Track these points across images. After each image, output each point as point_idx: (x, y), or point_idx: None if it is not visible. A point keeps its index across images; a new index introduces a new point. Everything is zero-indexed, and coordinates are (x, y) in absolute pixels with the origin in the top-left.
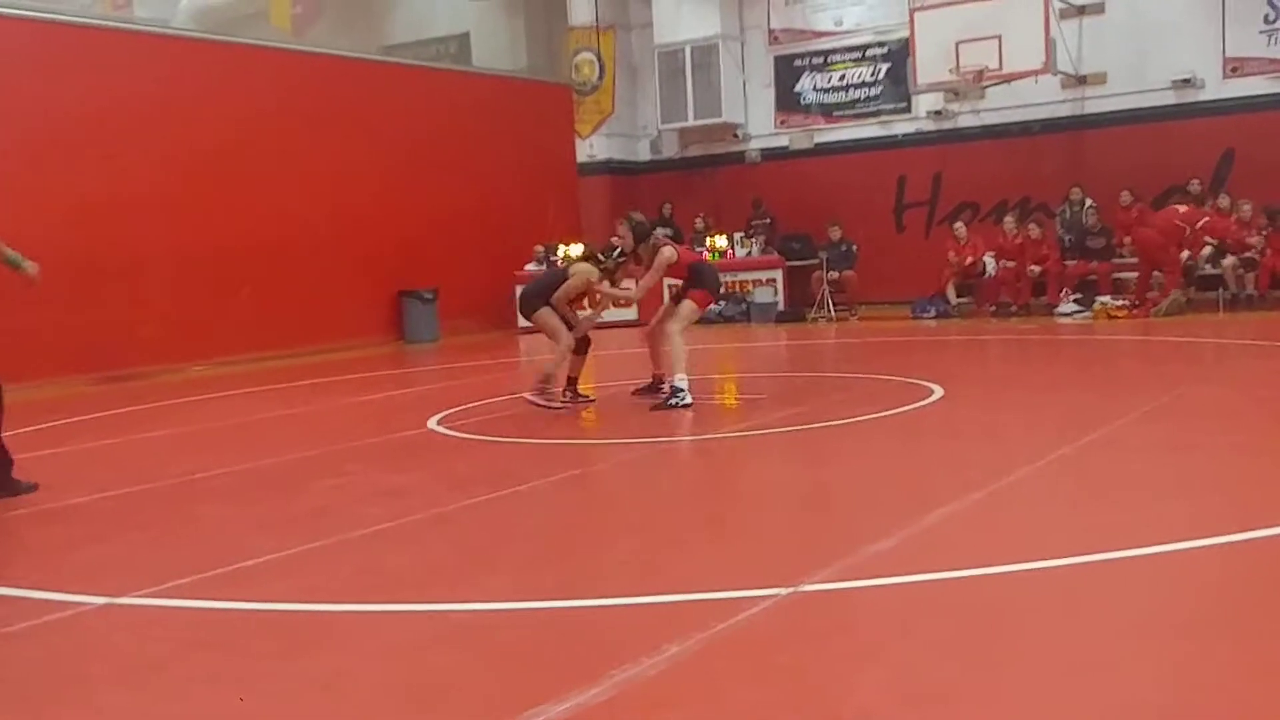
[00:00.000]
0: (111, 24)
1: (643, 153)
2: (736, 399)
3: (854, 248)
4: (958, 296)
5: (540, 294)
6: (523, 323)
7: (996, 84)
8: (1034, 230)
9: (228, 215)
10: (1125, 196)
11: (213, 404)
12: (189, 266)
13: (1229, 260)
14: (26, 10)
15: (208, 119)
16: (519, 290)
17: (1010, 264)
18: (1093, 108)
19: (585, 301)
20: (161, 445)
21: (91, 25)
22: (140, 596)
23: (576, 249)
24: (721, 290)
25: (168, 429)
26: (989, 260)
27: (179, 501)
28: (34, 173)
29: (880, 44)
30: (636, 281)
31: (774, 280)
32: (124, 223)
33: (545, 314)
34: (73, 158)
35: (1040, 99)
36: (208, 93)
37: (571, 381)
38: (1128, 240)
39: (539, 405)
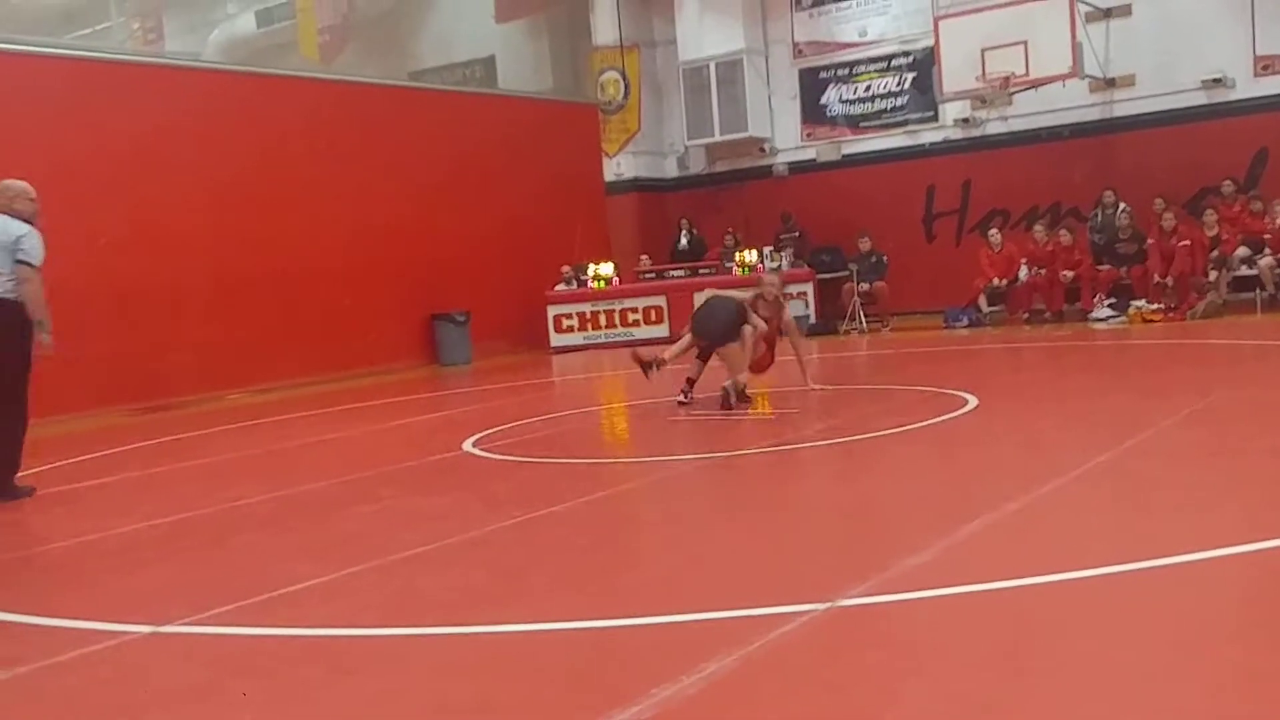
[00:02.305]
0: (143, 59)
1: (670, 170)
2: (770, 413)
3: (884, 258)
4: (989, 305)
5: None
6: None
7: (1024, 90)
8: (1065, 236)
9: (261, 243)
10: (1159, 203)
11: (250, 431)
12: (224, 295)
13: (1266, 260)
14: (61, 49)
15: (240, 149)
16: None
17: (1042, 271)
18: (1122, 111)
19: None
20: (201, 473)
21: (124, 61)
22: (184, 624)
23: (606, 268)
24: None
25: (207, 457)
26: (1021, 267)
27: (220, 529)
28: (70, 206)
29: (905, 53)
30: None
31: (805, 293)
32: (159, 253)
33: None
34: (108, 191)
35: (1069, 103)
36: (239, 123)
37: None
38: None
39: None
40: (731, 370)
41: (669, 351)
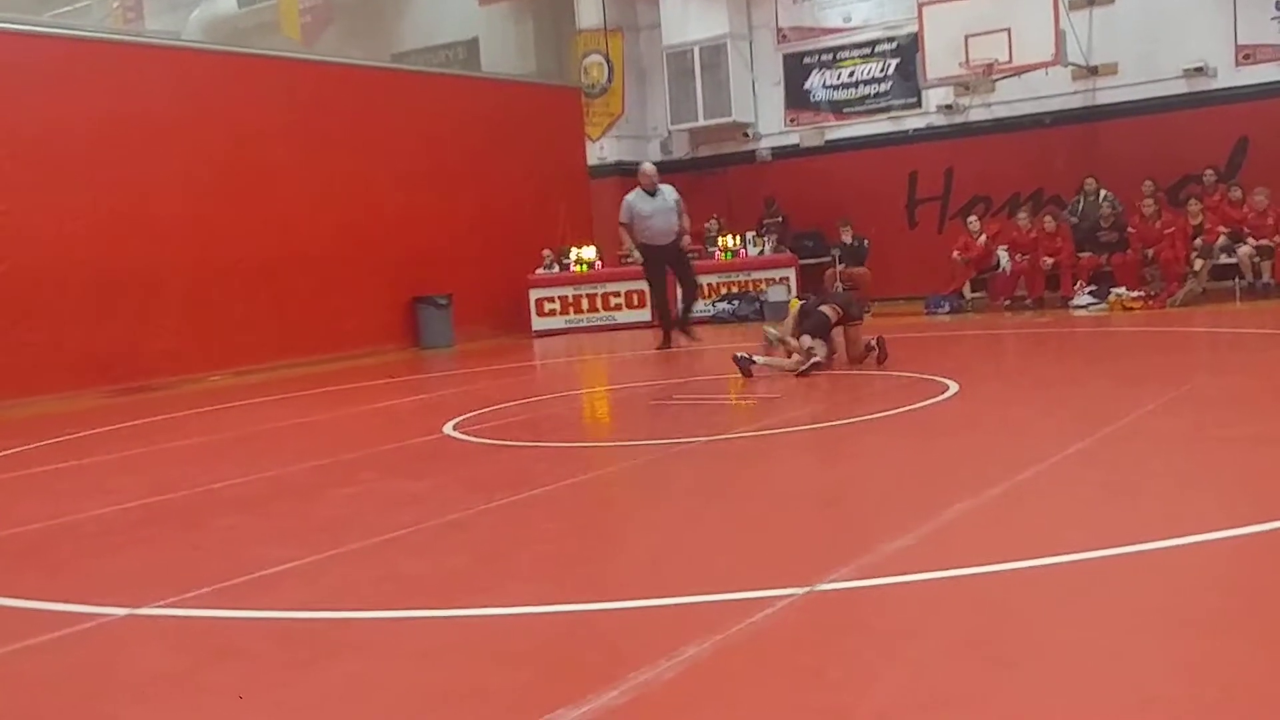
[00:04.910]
0: (123, 38)
1: (653, 154)
2: (751, 398)
3: (866, 244)
4: (971, 291)
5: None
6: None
7: (1007, 77)
8: (1049, 223)
9: (242, 224)
10: (1148, 185)
11: (230, 413)
12: (204, 276)
13: (1245, 249)
14: (38, 26)
15: (220, 129)
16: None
17: (1024, 257)
18: (1104, 99)
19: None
20: (179, 456)
21: (103, 39)
22: (161, 607)
23: (589, 251)
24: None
25: (185, 439)
26: (1003, 255)
27: (198, 512)
28: (48, 187)
29: (889, 39)
30: None
31: (787, 278)
32: (139, 234)
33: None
34: (87, 171)
35: (1051, 91)
36: (219, 104)
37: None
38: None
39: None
40: (853, 346)
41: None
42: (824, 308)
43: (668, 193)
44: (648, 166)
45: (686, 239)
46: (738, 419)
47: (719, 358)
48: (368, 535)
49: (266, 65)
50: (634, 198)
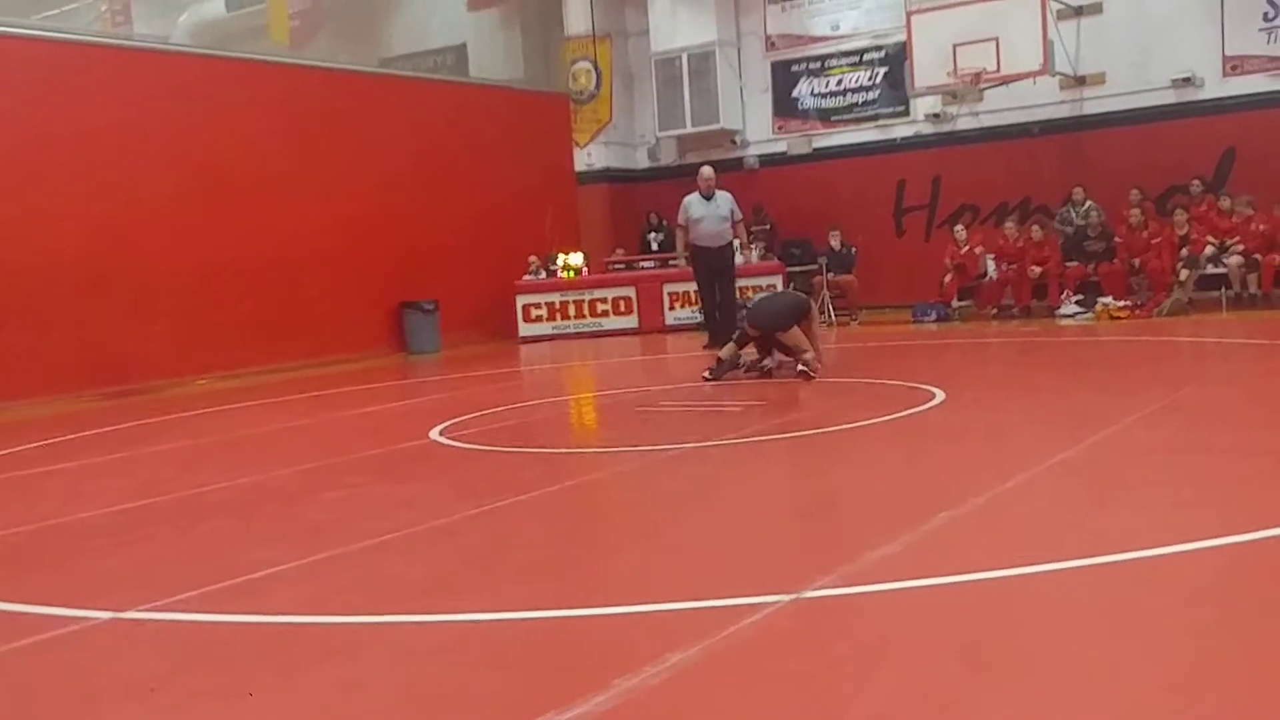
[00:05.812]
0: (111, 41)
1: (641, 160)
2: (737, 405)
3: (854, 252)
4: (959, 300)
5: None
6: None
7: (994, 86)
8: (1036, 232)
9: (229, 229)
10: (1135, 194)
11: (216, 418)
12: (192, 280)
13: (1234, 259)
14: (26, 29)
15: (207, 134)
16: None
17: (1011, 266)
18: (1092, 108)
19: None
20: (166, 459)
21: (91, 43)
22: (146, 611)
23: (576, 258)
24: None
25: (172, 443)
26: (990, 263)
27: (184, 516)
28: (35, 191)
29: (877, 48)
30: None
31: (774, 286)
32: (126, 238)
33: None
34: (75, 174)
35: (1039, 100)
36: (207, 108)
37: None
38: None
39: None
40: (797, 350)
41: (724, 350)
42: (746, 324)
43: (722, 200)
44: (706, 170)
45: (740, 257)
46: (724, 426)
47: (706, 363)
48: (355, 540)
49: (255, 69)
50: (690, 199)
